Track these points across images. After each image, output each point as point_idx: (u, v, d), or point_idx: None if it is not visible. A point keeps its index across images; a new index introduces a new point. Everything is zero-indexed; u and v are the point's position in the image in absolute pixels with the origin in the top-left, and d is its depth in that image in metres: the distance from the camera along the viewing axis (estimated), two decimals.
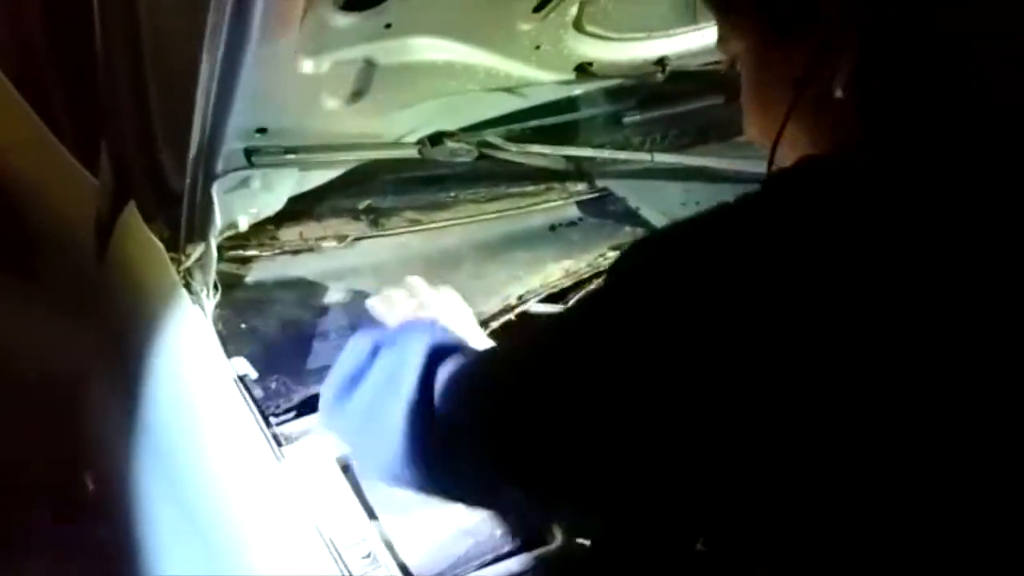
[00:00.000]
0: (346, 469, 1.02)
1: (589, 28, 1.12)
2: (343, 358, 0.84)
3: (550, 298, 1.19)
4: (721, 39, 0.71)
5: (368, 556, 0.91)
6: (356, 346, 0.83)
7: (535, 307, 1.17)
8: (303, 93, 0.89)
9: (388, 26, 0.88)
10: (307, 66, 0.84)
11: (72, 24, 1.18)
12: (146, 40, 1.03)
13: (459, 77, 1.01)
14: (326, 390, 0.85)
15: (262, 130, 0.90)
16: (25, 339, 1.28)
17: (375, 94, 0.95)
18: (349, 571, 0.88)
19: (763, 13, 0.65)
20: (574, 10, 1.06)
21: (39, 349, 1.28)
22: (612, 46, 1.18)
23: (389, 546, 0.93)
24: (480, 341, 0.96)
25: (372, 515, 0.97)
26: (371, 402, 0.77)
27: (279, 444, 0.98)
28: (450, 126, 1.10)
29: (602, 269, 1.27)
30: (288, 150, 0.94)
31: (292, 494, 0.93)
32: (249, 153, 0.92)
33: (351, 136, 1.01)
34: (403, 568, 0.92)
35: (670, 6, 1.22)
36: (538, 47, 1.07)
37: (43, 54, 1.34)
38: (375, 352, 0.80)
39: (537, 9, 1.00)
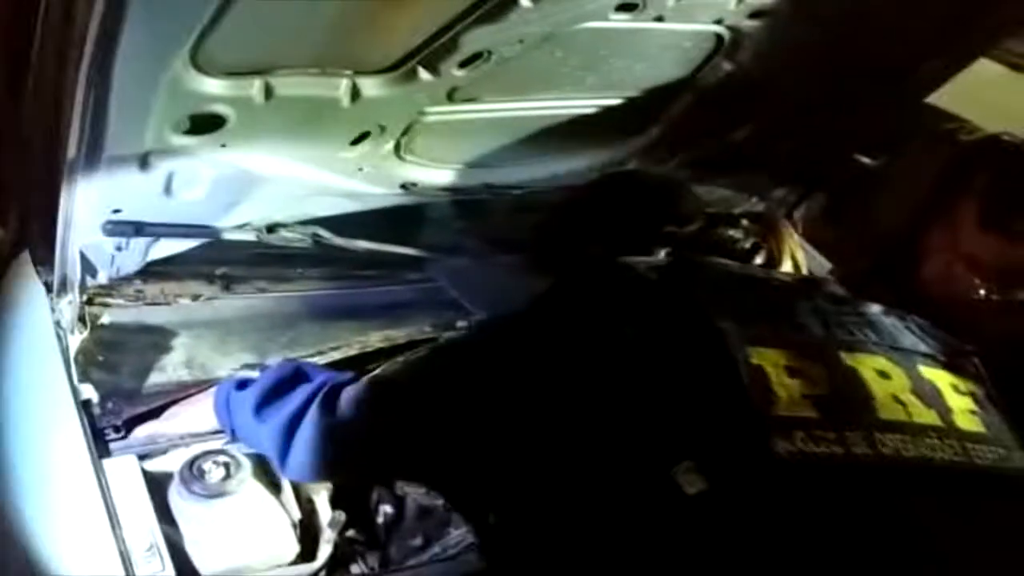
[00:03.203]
0: (154, 481, 1.27)
1: (409, 157, 1.42)
2: (269, 375, 1.17)
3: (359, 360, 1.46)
4: None
5: (150, 549, 1.15)
6: (282, 371, 1.16)
7: None
8: (150, 187, 1.17)
9: (223, 145, 1.17)
10: (152, 170, 1.13)
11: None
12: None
13: (289, 184, 1.31)
14: (248, 395, 1.16)
15: (117, 210, 1.18)
16: None
17: (215, 192, 1.24)
18: (130, 560, 1.11)
19: None
20: (391, 144, 1.36)
21: None
22: (433, 172, 1.48)
23: (173, 544, 1.17)
24: None
25: (168, 520, 1.22)
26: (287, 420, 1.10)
27: (102, 456, 1.24)
28: (285, 219, 1.39)
29: (416, 339, 1.52)
30: (138, 227, 1.21)
31: (100, 496, 1.18)
32: (106, 226, 1.20)
33: (196, 219, 1.29)
34: (181, 562, 1.16)
35: (491, 145, 1.53)
36: (360, 169, 1.37)
37: None
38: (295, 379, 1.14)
39: (354, 143, 1.30)
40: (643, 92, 1.49)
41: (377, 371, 1.37)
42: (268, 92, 1.09)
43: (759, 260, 1.07)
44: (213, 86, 1.04)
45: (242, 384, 1.22)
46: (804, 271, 1.09)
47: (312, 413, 1.08)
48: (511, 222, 1.73)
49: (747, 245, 1.06)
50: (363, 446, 1.09)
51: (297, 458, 1.10)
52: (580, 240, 1.11)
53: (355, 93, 1.16)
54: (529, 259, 1.21)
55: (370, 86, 1.16)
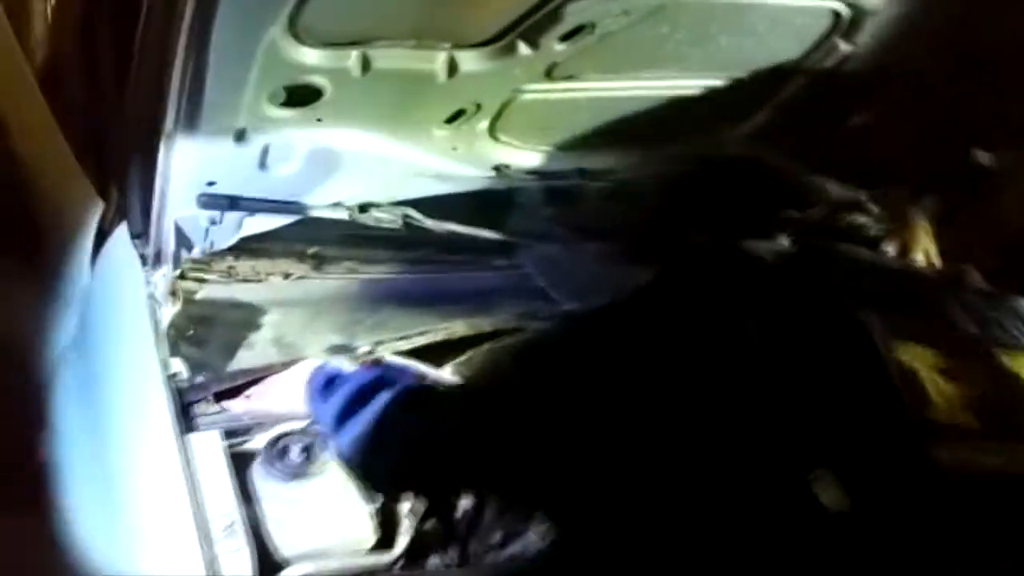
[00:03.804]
0: (237, 459, 1.26)
1: (503, 137, 1.38)
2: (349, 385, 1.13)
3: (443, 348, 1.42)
4: None
5: (229, 527, 1.14)
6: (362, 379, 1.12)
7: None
8: (246, 160, 1.16)
9: (319, 120, 1.15)
10: (248, 143, 1.11)
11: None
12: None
13: (382, 161, 1.28)
14: (329, 408, 1.14)
15: (212, 183, 1.18)
16: (18, 318, 1.56)
17: (310, 167, 1.22)
18: (208, 537, 1.10)
19: None
20: (485, 123, 1.32)
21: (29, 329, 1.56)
22: (526, 154, 1.43)
23: (252, 523, 1.16)
24: None
25: (249, 497, 1.21)
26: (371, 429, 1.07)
27: (187, 430, 1.23)
28: (378, 199, 1.36)
29: (502, 328, 1.47)
30: (232, 201, 1.21)
31: (183, 470, 1.17)
32: (201, 198, 1.19)
33: (288, 195, 1.27)
34: (260, 544, 1.15)
35: (588, 127, 1.47)
36: (455, 148, 1.33)
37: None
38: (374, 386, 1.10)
39: (449, 121, 1.27)
40: (751, 73, 1.40)
41: (460, 376, 1.35)
42: (365, 64, 1.06)
43: (890, 250, 0.97)
44: (310, 56, 1.02)
45: (329, 381, 1.19)
46: (937, 264, 0.98)
47: (393, 421, 1.05)
48: (603, 210, 1.67)
49: (876, 233, 0.96)
50: (443, 455, 1.04)
51: (379, 467, 1.08)
52: (685, 225, 1.02)
53: (452, 67, 1.12)
54: (630, 246, 1.13)
55: (468, 60, 1.12)
